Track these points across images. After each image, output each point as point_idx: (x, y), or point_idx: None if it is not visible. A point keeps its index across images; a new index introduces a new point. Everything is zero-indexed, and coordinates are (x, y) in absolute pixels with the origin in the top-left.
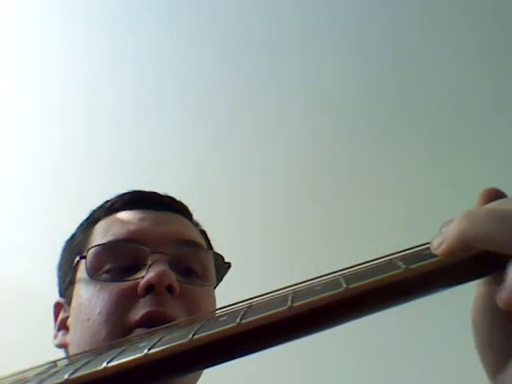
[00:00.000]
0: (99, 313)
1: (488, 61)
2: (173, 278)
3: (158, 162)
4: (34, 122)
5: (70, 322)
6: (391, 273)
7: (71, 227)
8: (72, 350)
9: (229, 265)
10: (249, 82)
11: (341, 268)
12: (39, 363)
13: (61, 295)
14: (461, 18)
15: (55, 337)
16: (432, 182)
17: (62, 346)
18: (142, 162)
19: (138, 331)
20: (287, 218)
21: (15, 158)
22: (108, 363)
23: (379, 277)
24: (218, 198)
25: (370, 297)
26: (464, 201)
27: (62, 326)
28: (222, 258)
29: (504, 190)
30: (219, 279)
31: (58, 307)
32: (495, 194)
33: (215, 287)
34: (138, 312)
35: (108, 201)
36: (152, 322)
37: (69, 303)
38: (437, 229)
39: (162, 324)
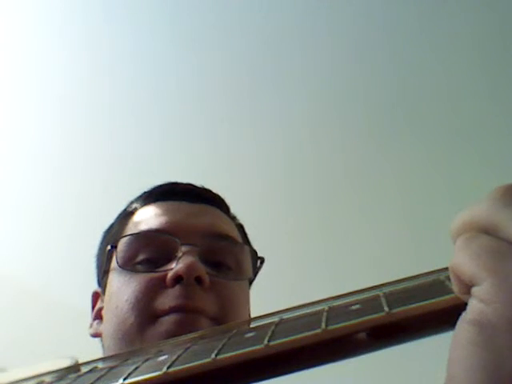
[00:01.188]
0: (127, 300)
1: (488, 61)
2: (202, 269)
3: (158, 161)
4: (33, 121)
5: (103, 311)
6: (443, 298)
7: (71, 227)
8: (104, 340)
9: (262, 260)
10: (249, 81)
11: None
12: (58, 364)
13: (99, 285)
14: (461, 18)
15: (90, 326)
16: (433, 182)
17: (97, 335)
18: (142, 161)
19: (170, 317)
20: (287, 219)
21: (15, 158)
22: (125, 380)
23: (429, 301)
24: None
25: (416, 323)
26: (465, 201)
27: (98, 316)
28: (256, 252)
29: None
30: (254, 275)
31: (95, 297)
32: None
33: (251, 283)
34: (166, 303)
35: (145, 192)
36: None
37: (104, 293)
38: (442, 231)
39: (190, 315)
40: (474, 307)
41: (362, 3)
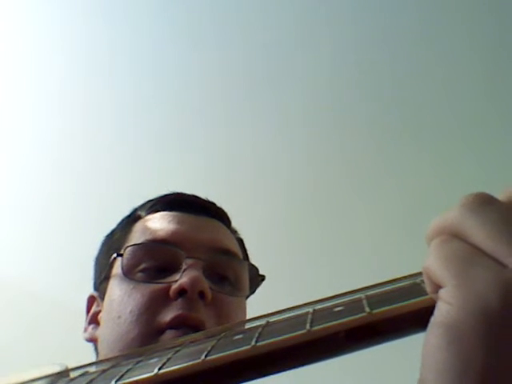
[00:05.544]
0: (130, 311)
1: (488, 62)
2: (206, 285)
3: (158, 162)
4: (32, 122)
5: (101, 316)
6: (419, 298)
7: (70, 228)
8: (101, 346)
9: (263, 277)
10: (248, 83)
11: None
12: (47, 371)
13: (95, 289)
14: (461, 19)
15: (85, 330)
16: (432, 184)
17: (92, 340)
18: (142, 163)
19: (170, 333)
20: (286, 221)
21: (14, 159)
22: (117, 382)
23: (405, 302)
24: (217, 200)
25: (394, 323)
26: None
27: (93, 320)
28: (257, 269)
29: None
30: (252, 291)
31: (91, 300)
32: None
33: (247, 298)
34: (169, 314)
35: (150, 200)
36: (181, 326)
37: (102, 298)
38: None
39: (191, 328)
40: (440, 309)
41: (361, 3)
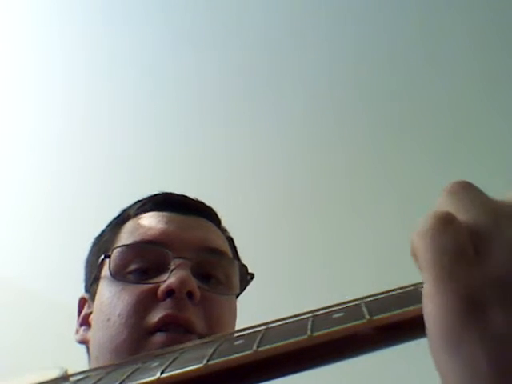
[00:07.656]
0: (119, 314)
1: (488, 64)
2: (194, 284)
3: (156, 163)
4: (32, 122)
5: (92, 318)
6: (420, 305)
7: (70, 228)
8: (92, 348)
9: (252, 276)
10: (247, 82)
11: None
12: (47, 375)
13: (86, 290)
14: (461, 21)
15: (77, 332)
16: (434, 191)
17: (84, 342)
18: (141, 162)
19: (160, 335)
20: (280, 220)
21: (14, 159)
22: None
23: (405, 309)
24: (216, 200)
25: (394, 329)
26: None
27: (85, 322)
28: (246, 268)
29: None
30: (241, 289)
31: (82, 302)
32: None
33: (237, 297)
34: (156, 315)
35: (139, 201)
36: (170, 326)
37: (93, 299)
38: None
39: (180, 328)
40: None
41: (361, 3)
